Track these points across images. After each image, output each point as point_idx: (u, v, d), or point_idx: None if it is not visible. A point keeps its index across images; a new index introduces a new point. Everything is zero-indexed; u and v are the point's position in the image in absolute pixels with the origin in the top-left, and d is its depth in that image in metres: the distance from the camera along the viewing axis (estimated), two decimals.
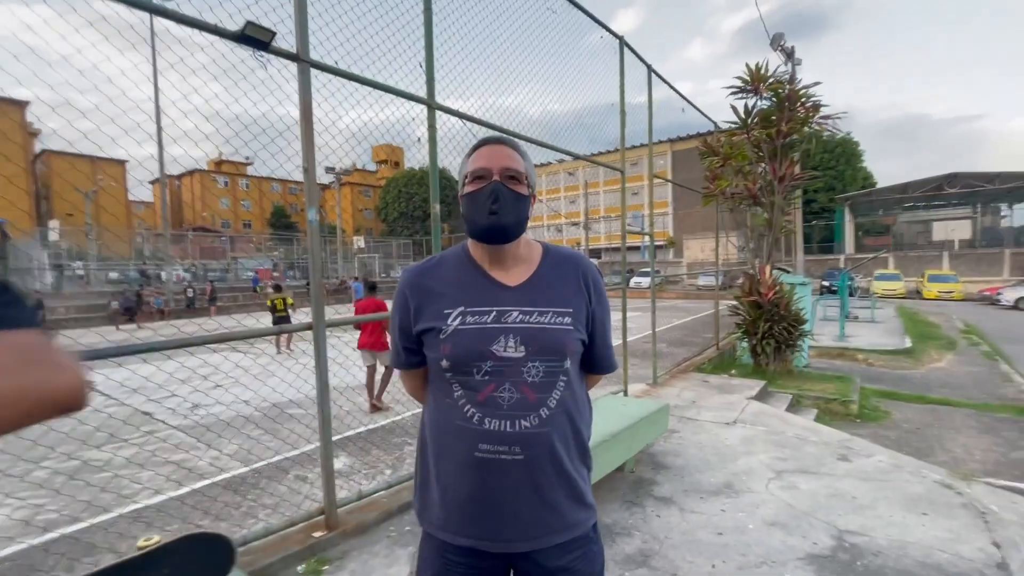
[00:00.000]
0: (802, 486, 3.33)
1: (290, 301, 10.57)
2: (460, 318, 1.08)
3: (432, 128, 3.01)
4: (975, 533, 2.75)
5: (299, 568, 2.28)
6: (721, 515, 2.93)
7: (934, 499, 3.14)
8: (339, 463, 4.41)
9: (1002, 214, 34.06)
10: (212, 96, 2.29)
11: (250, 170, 55.74)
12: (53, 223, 21.98)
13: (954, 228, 31.84)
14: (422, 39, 3.01)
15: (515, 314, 1.08)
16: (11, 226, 24.97)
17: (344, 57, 2.61)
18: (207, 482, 4.05)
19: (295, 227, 49.38)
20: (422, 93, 2.98)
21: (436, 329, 1.09)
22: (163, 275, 22.82)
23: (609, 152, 5.40)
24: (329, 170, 27.37)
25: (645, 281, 26.47)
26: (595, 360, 1.23)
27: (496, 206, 1.07)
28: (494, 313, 1.08)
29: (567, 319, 1.11)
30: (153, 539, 1.28)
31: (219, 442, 4.65)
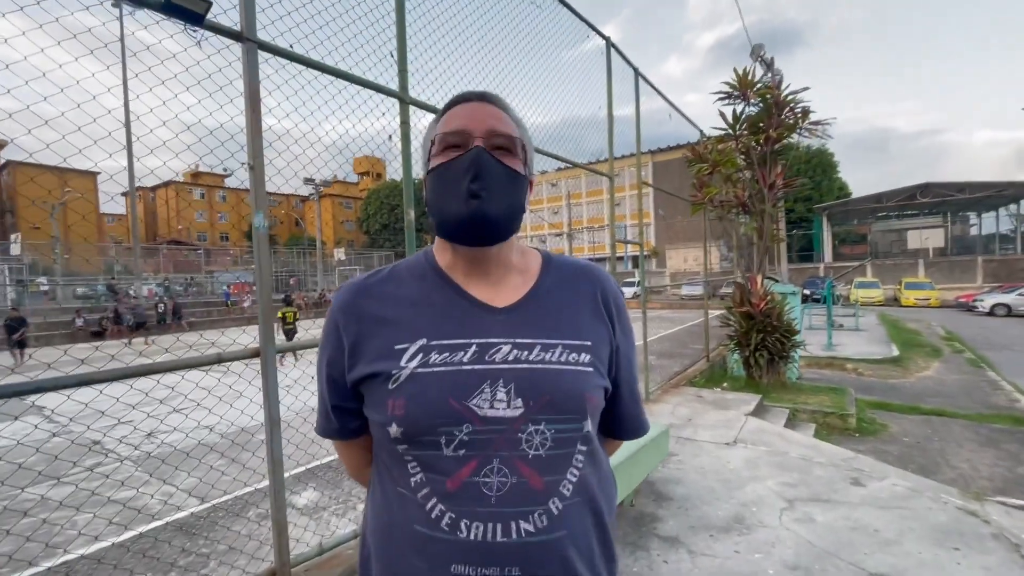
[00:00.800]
0: (818, 518, 3.03)
1: (298, 315, 10.75)
2: (420, 356, 0.70)
3: (405, 124, 2.68)
4: (1015, 571, 2.48)
5: None
6: (736, 558, 2.61)
7: (962, 530, 2.87)
8: (305, 497, 3.99)
9: (971, 223, 35.02)
10: (183, 107, 1.97)
11: (229, 182, 54.62)
12: (14, 236, 20.92)
13: (927, 237, 32.56)
14: (394, 26, 2.69)
15: (506, 349, 0.71)
16: None
17: (301, 41, 2.27)
18: (156, 524, 3.59)
19: (275, 240, 48.36)
20: (393, 86, 2.66)
21: (383, 375, 0.71)
22: (132, 290, 21.92)
23: (594, 162, 5.14)
24: (308, 181, 26.80)
25: (628, 291, 26.39)
26: (620, 419, 0.86)
27: (479, 185, 0.70)
28: (474, 348, 0.71)
29: (584, 356, 0.74)
30: None
31: (174, 476, 4.18)
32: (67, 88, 1.70)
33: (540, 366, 0.71)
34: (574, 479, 0.70)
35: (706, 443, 4.42)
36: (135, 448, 5.22)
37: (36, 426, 3.03)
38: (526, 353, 0.71)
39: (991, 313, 19.47)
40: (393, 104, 2.67)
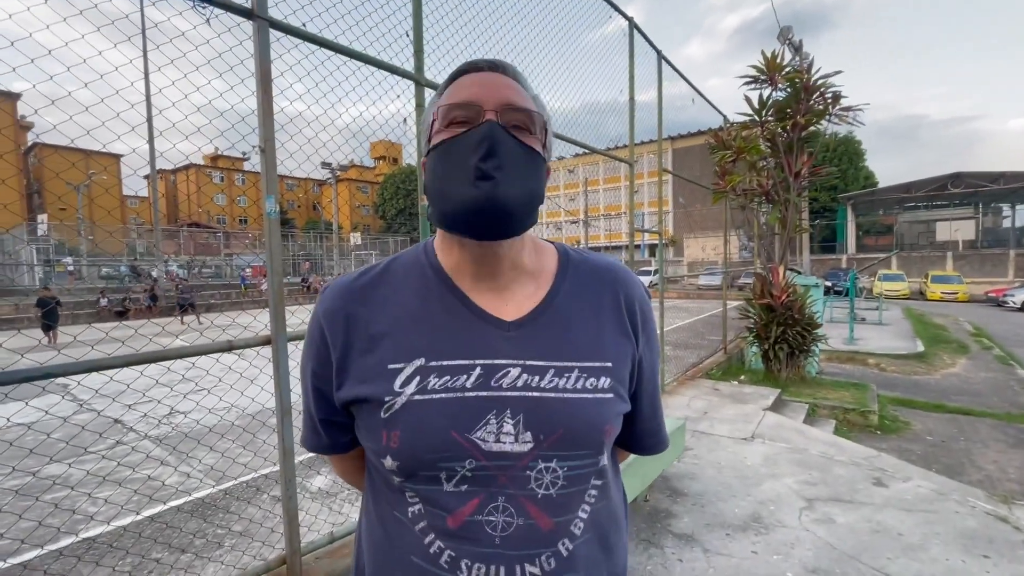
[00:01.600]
0: (839, 519, 2.94)
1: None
2: (418, 379, 0.61)
3: (421, 107, 2.60)
4: None
5: None
6: (753, 559, 2.54)
7: (992, 536, 2.76)
8: (317, 483, 4.01)
9: (1004, 215, 33.77)
10: (194, 88, 1.93)
11: (247, 166, 55.11)
12: (42, 217, 21.41)
13: (957, 228, 31.52)
14: (410, 4, 2.60)
15: (514, 373, 0.62)
16: None
17: (315, 19, 2.20)
18: (173, 504, 3.65)
19: (291, 223, 48.83)
20: (409, 67, 2.57)
21: (374, 400, 0.62)
22: (154, 272, 22.35)
23: (613, 148, 5.00)
24: (325, 165, 26.88)
25: (644, 280, 26.07)
26: (638, 436, 0.78)
27: (491, 164, 0.58)
28: (478, 371, 0.62)
29: (604, 380, 0.65)
30: None
31: (193, 455, 4.25)
32: (78, 68, 1.67)
33: (552, 395, 0.62)
34: (585, 515, 0.64)
35: (723, 438, 4.34)
36: (156, 426, 5.32)
37: (43, 415, 3.07)
38: (537, 379, 0.62)
39: (1022, 309, 18.83)
40: (408, 86, 2.59)
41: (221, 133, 2.35)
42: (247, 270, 27.40)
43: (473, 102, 0.62)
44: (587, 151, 4.41)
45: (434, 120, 0.65)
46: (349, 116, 2.56)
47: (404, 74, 2.51)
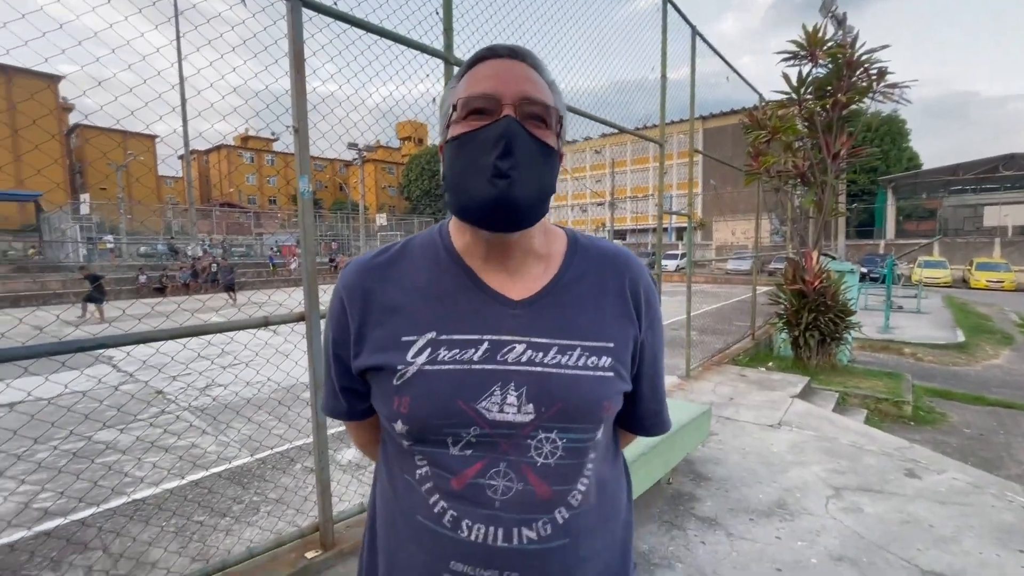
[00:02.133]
0: (867, 508, 2.90)
1: None
2: (429, 351, 0.66)
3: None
4: None
5: None
6: (777, 544, 2.53)
7: None
8: (347, 456, 4.15)
9: None
10: (230, 68, 1.98)
11: (276, 146, 55.98)
12: (84, 196, 22.29)
13: (1007, 213, 29.85)
14: None
15: (519, 348, 0.66)
16: (44, 199, 25.56)
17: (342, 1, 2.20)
18: (214, 471, 3.85)
19: (319, 203, 49.60)
20: (438, 45, 2.56)
21: (388, 368, 0.67)
22: (189, 250, 23.12)
23: (642, 128, 4.89)
24: (352, 146, 27.09)
25: (671, 264, 25.69)
26: (639, 417, 0.81)
27: (508, 163, 0.61)
28: (486, 345, 0.66)
29: (605, 360, 0.69)
30: None
31: (230, 426, 4.44)
32: (121, 49, 1.71)
33: (555, 371, 0.66)
34: (584, 487, 0.67)
35: (748, 424, 4.30)
36: (196, 397, 5.58)
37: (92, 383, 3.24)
38: (541, 355, 0.66)
39: None
40: (438, 65, 2.58)
41: (256, 113, 2.40)
42: (276, 249, 28.05)
43: (491, 94, 0.63)
44: (615, 131, 4.32)
45: (453, 109, 0.66)
46: (379, 95, 2.57)
47: (433, 52, 2.49)
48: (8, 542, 2.91)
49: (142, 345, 1.74)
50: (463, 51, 2.65)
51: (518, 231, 0.67)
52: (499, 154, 0.61)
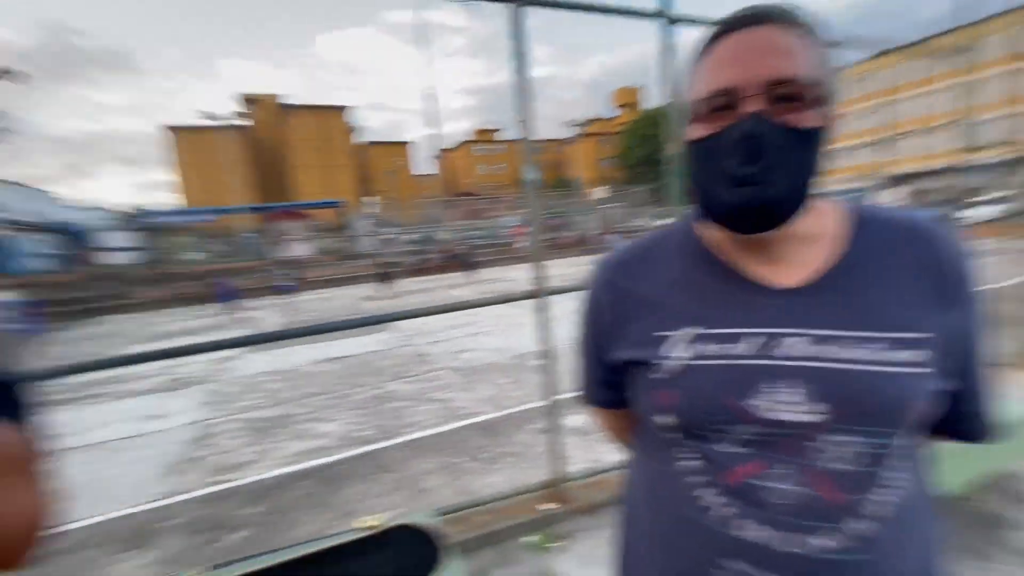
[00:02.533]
0: None
1: None
2: (690, 345, 0.62)
3: (669, 49, 2.42)
4: None
5: (527, 539, 2.26)
6: None
7: None
8: (576, 420, 4.43)
9: None
10: (470, 74, 2.27)
11: (501, 135, 61.79)
12: (368, 199, 28.74)
13: None
14: None
15: (795, 341, 0.58)
16: (345, 204, 33.65)
17: None
18: (465, 423, 4.58)
19: (539, 184, 52.86)
20: (654, 5, 2.40)
21: (646, 362, 0.65)
22: (449, 236, 27.56)
23: (924, 40, 3.71)
24: (570, 124, 27.93)
25: (984, 213, 19.25)
26: (952, 420, 0.65)
27: (753, 168, 0.55)
28: (751, 339, 0.60)
29: (910, 353, 0.56)
30: (368, 522, 1.31)
31: (477, 386, 5.21)
32: (387, 73, 2.10)
33: (847, 366, 0.56)
34: (879, 498, 0.56)
35: None
36: (453, 359, 6.73)
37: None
38: (827, 348, 0.57)
39: None
40: (653, 25, 2.43)
41: (487, 110, 2.65)
42: (507, 230, 31.09)
43: (729, 87, 0.56)
44: (887, 48, 3.40)
45: (692, 98, 0.62)
46: (593, 68, 2.57)
47: (651, 15, 2.36)
48: (334, 460, 4.04)
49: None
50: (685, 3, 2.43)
51: (774, 231, 0.60)
52: (741, 160, 0.56)
